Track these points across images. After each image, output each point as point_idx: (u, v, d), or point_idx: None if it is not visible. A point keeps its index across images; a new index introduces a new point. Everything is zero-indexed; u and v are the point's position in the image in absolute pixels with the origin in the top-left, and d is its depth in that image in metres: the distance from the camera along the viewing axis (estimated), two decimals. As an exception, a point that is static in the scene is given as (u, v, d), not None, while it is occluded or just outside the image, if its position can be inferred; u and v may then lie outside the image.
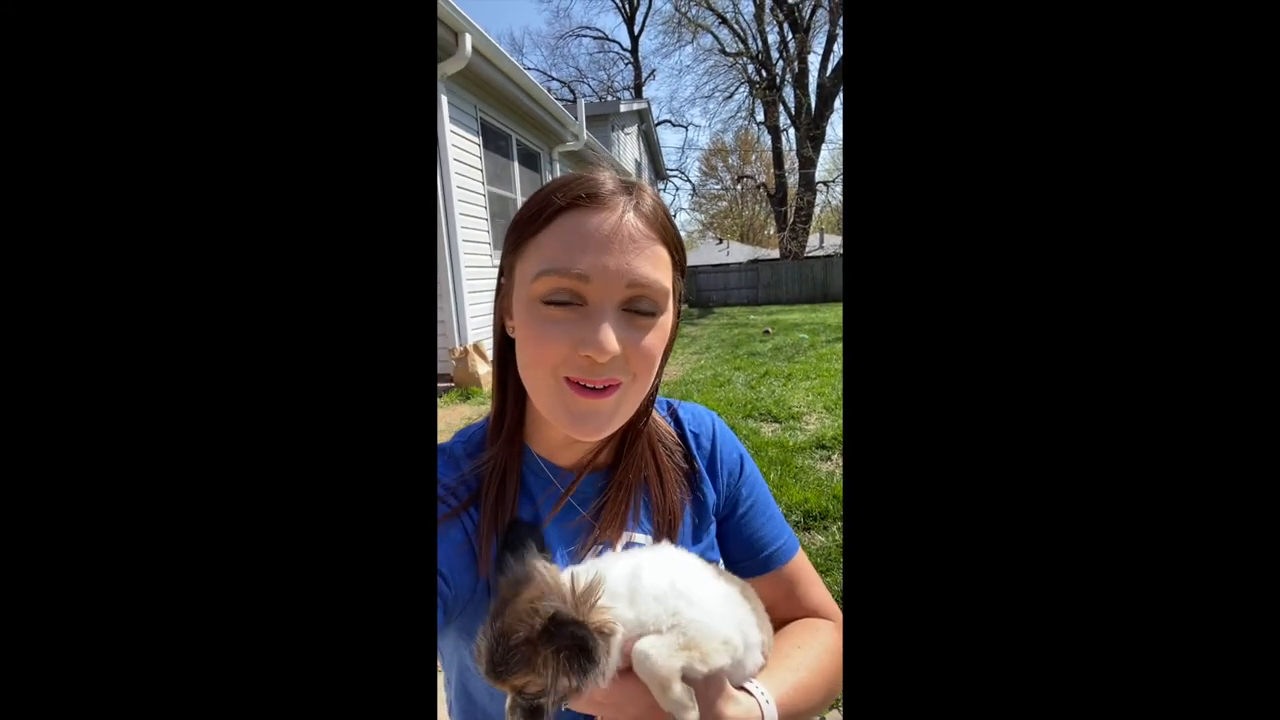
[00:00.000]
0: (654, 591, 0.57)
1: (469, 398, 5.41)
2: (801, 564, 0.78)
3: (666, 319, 0.64)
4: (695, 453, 0.77)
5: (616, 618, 0.54)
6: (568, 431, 0.64)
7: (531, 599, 0.53)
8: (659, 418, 0.77)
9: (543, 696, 0.51)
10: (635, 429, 0.72)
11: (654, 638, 0.55)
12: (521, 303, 0.62)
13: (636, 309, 0.61)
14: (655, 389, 0.71)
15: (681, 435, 0.79)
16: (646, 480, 0.73)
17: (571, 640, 0.51)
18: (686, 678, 0.54)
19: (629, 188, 0.63)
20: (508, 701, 0.55)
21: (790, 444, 3.84)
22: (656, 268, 0.61)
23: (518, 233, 0.63)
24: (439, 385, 5.62)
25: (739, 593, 0.65)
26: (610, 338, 0.58)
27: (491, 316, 0.74)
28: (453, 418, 4.82)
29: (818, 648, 0.69)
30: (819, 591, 0.78)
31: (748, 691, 0.59)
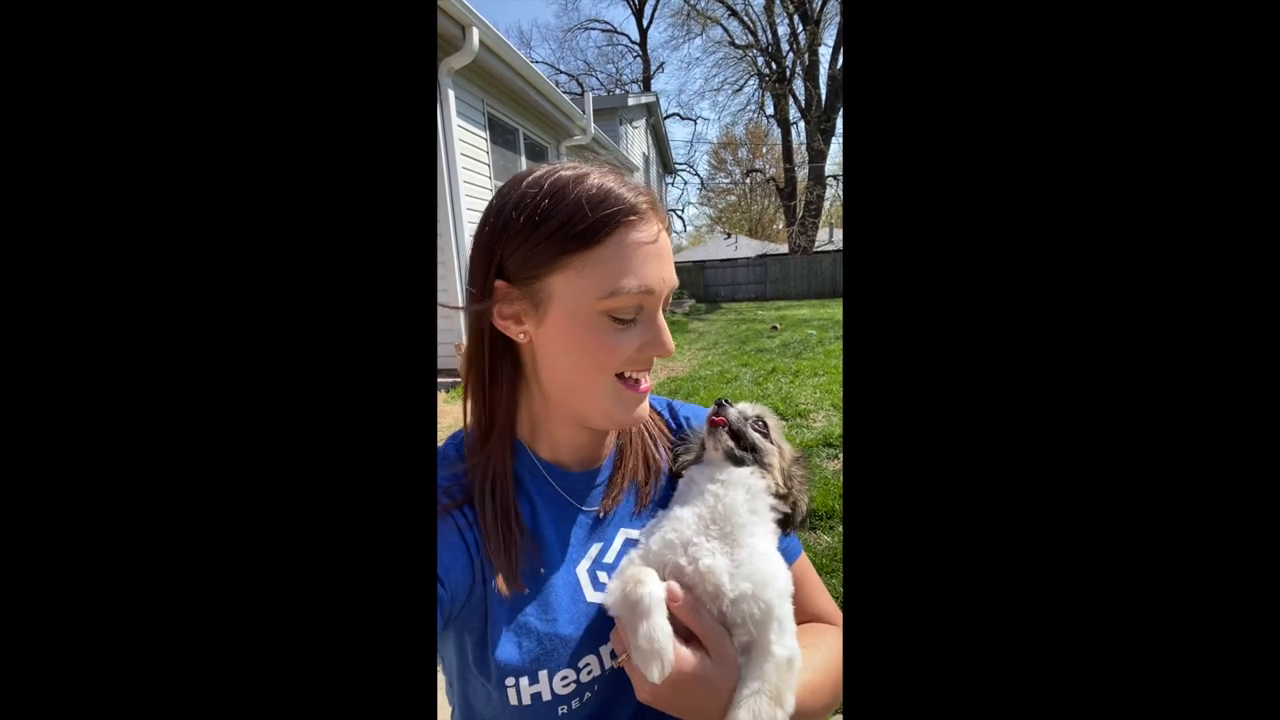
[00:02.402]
0: (756, 575, 0.59)
1: (476, 393, 5.41)
2: (804, 568, 0.78)
3: None
4: None
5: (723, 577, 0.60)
6: (623, 425, 0.68)
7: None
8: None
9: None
10: None
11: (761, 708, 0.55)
12: (573, 314, 0.61)
13: (665, 308, 0.67)
14: None
15: (680, 432, 0.81)
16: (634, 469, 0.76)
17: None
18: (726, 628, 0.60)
19: (642, 191, 0.65)
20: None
21: (797, 442, 3.82)
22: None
23: (561, 245, 0.60)
24: (446, 382, 5.64)
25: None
26: (670, 337, 0.66)
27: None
28: (459, 413, 4.84)
29: (825, 649, 0.69)
30: (821, 596, 0.78)
31: None
